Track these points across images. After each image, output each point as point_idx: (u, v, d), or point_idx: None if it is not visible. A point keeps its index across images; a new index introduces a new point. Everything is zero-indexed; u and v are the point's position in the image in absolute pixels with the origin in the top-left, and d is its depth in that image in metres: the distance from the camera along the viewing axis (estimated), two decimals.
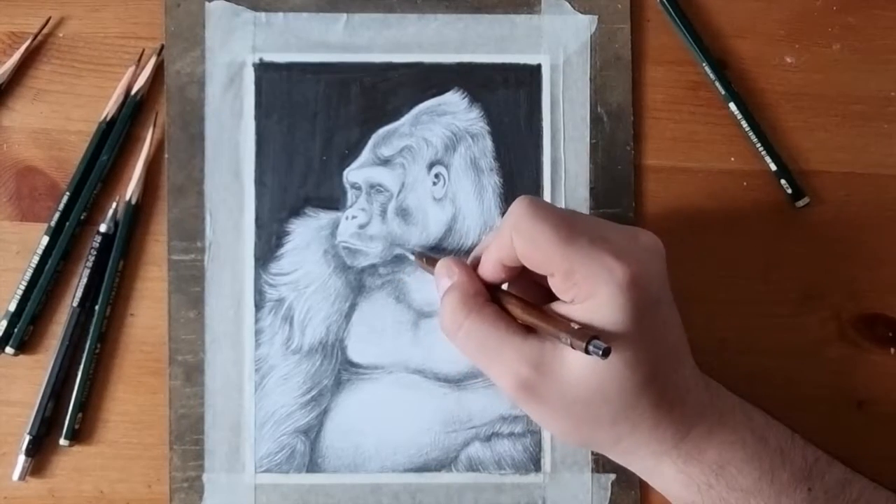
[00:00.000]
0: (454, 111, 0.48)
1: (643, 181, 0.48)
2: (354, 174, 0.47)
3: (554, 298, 0.39)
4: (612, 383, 0.37)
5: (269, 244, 0.47)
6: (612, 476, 0.46)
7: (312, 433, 0.46)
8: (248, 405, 0.46)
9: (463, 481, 0.46)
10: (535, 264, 0.39)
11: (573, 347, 0.36)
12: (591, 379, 0.37)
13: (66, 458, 0.47)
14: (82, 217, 0.47)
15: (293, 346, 0.47)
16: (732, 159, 0.48)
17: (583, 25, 0.48)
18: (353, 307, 0.47)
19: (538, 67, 0.48)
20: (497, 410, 0.47)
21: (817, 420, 0.46)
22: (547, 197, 0.47)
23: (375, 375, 0.47)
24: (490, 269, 0.41)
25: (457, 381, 0.47)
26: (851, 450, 0.43)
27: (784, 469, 0.40)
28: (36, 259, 0.46)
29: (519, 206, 0.39)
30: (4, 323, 0.46)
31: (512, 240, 0.39)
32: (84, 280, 0.46)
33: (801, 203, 0.47)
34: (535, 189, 0.47)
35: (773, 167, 0.47)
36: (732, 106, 0.48)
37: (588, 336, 0.35)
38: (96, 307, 0.46)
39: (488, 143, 0.48)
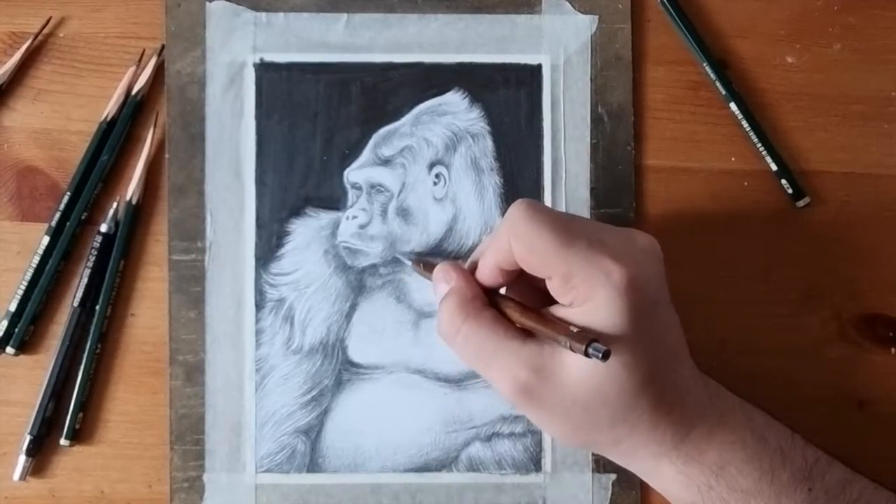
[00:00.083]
0: (455, 111, 0.48)
1: (644, 181, 0.48)
2: (355, 174, 0.47)
3: (552, 302, 0.39)
4: (610, 386, 0.37)
5: (269, 244, 0.47)
6: (613, 476, 0.46)
7: (313, 433, 0.46)
8: (248, 405, 0.46)
9: (463, 481, 0.46)
10: (533, 268, 0.39)
11: (572, 350, 0.36)
12: (590, 382, 0.37)
13: (67, 458, 0.47)
14: (83, 217, 0.47)
15: (294, 346, 0.47)
16: (733, 159, 0.48)
17: (583, 25, 0.48)
18: (353, 307, 0.47)
19: (539, 67, 0.48)
20: (497, 410, 0.47)
21: (818, 420, 0.46)
22: (547, 197, 0.47)
23: (376, 375, 0.47)
24: (487, 274, 0.41)
25: (457, 381, 0.47)
26: (852, 450, 0.43)
27: (784, 469, 0.40)
28: (36, 259, 0.46)
29: (516, 210, 0.39)
30: (5, 323, 0.46)
31: (509, 244, 0.38)
32: (85, 280, 0.46)
33: (801, 203, 0.47)
34: (535, 189, 0.47)
35: (774, 167, 0.47)
36: (733, 106, 0.48)
37: (587, 339, 0.35)
38: (97, 307, 0.46)
39: (489, 143, 0.48)
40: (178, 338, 0.47)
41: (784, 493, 0.39)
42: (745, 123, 0.47)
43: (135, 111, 0.47)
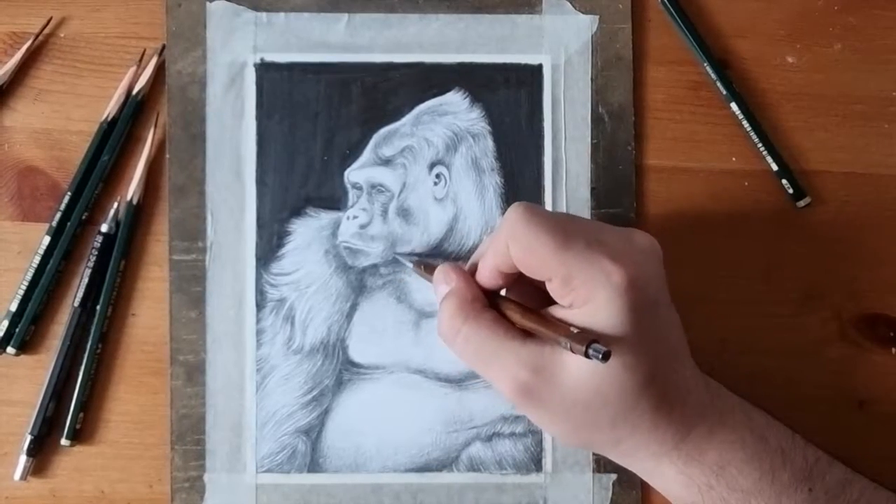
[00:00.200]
0: (455, 111, 0.48)
1: (644, 181, 0.48)
2: (355, 174, 0.47)
3: (552, 302, 0.39)
4: (611, 386, 0.37)
5: (270, 244, 0.47)
6: (614, 476, 0.46)
7: (314, 433, 0.46)
8: (249, 405, 0.46)
9: (464, 481, 0.46)
10: (533, 270, 0.39)
11: (573, 351, 0.36)
12: (591, 382, 0.37)
13: (68, 458, 0.47)
14: (83, 217, 0.47)
15: (294, 346, 0.47)
16: (733, 159, 0.48)
17: (584, 25, 0.48)
18: (354, 307, 0.47)
19: (539, 67, 0.48)
20: (498, 410, 0.47)
21: (818, 420, 0.46)
22: (548, 197, 0.47)
23: (377, 375, 0.47)
24: (487, 276, 0.41)
25: (458, 381, 0.47)
26: (852, 450, 0.43)
27: (785, 469, 0.40)
28: (37, 259, 0.46)
29: (513, 213, 0.38)
30: (6, 323, 0.46)
31: (508, 247, 0.38)
32: (85, 280, 0.46)
33: (802, 203, 0.47)
34: (536, 189, 0.47)
35: (775, 167, 0.47)
36: (733, 106, 0.48)
37: (587, 340, 0.35)
38: (97, 307, 0.46)
39: (489, 143, 0.48)
40: (179, 338, 0.47)
41: (784, 493, 0.39)
42: (745, 123, 0.47)
43: (135, 111, 0.47)
